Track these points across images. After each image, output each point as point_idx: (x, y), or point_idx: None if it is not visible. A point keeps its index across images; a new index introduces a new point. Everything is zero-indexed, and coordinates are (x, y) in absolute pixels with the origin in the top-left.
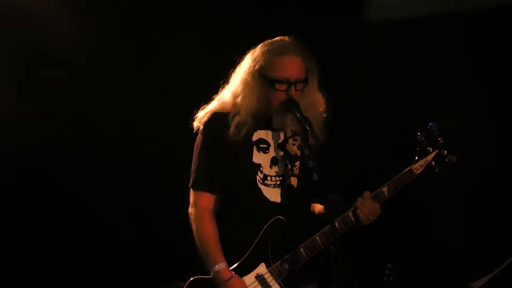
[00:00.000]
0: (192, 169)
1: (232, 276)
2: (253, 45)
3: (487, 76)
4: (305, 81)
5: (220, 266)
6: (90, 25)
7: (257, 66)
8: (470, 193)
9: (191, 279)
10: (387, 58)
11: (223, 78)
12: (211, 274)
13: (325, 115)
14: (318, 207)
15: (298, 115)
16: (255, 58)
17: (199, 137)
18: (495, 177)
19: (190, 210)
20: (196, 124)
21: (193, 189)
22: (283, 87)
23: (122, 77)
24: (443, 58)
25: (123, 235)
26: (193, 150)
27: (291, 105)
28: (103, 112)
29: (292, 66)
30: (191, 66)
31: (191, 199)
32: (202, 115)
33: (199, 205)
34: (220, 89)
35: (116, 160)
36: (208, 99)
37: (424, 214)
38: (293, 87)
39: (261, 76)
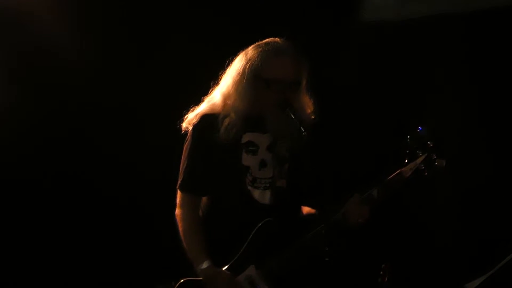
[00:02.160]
0: (180, 171)
1: (216, 271)
2: (245, 46)
3: (484, 78)
4: (299, 82)
5: (206, 264)
6: (87, 24)
7: (252, 67)
8: (461, 194)
9: (181, 281)
10: (382, 59)
11: (214, 79)
12: (198, 273)
13: (313, 117)
14: (308, 209)
15: (293, 116)
16: (249, 59)
17: (188, 139)
18: (486, 179)
19: (177, 211)
20: (185, 125)
21: (180, 190)
22: (279, 88)
23: (120, 77)
24: (439, 60)
25: (118, 235)
26: (182, 151)
27: (286, 106)
28: (101, 112)
29: (288, 67)
30: (189, 66)
31: (178, 200)
32: (191, 117)
33: (186, 206)
34: (209, 90)
35: (113, 160)
36: (198, 101)
37: (418, 214)
38: (287, 88)
39: (255, 77)
